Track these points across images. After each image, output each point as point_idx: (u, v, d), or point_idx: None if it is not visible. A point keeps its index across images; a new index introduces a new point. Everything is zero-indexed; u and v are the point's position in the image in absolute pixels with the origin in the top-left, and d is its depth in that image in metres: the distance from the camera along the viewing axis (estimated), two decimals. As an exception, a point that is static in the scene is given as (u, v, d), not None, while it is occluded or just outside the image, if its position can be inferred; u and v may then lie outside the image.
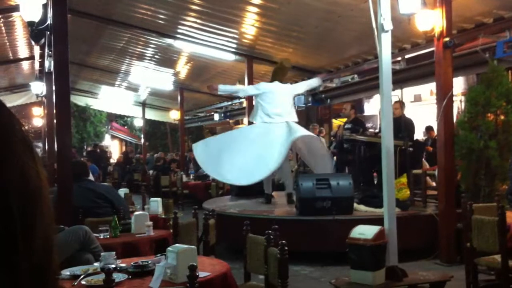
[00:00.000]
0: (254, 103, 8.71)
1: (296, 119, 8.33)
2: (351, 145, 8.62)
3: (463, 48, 8.14)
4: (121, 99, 20.23)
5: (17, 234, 0.55)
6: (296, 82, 12.53)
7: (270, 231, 3.57)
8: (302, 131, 8.14)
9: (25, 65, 15.81)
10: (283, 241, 3.18)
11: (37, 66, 13.74)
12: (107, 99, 20.34)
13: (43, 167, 0.61)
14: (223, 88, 9.10)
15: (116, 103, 21.13)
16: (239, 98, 14.42)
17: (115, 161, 22.85)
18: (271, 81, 8.53)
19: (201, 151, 8.32)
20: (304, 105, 12.74)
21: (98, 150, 20.57)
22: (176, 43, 11.61)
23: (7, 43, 12.92)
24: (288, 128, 7.99)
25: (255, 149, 7.87)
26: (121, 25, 11.15)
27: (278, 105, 8.18)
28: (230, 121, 18.62)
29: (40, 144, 17.58)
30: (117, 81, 17.90)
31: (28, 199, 0.57)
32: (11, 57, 14.50)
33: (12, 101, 17.61)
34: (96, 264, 3.51)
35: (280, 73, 8.57)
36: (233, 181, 8.42)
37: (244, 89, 9.00)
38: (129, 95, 19.37)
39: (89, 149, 22.21)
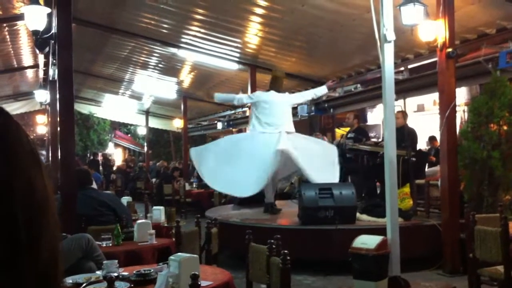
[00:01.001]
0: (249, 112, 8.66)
1: (293, 130, 8.21)
2: (353, 155, 8.61)
3: (466, 58, 8.17)
4: (124, 107, 20.30)
5: (22, 242, 0.56)
6: (299, 91, 12.52)
7: (272, 240, 3.57)
8: (293, 140, 7.98)
9: (30, 73, 15.89)
10: (286, 251, 3.18)
11: (41, 74, 13.80)
12: (111, 107, 20.40)
13: (49, 179, 0.63)
14: (219, 96, 9.05)
15: (120, 111, 21.20)
16: (241, 106, 14.36)
17: (116, 167, 22.87)
18: (268, 90, 8.42)
19: (198, 156, 8.25)
20: (307, 114, 12.76)
21: (101, 158, 20.54)
22: (180, 52, 11.67)
23: (12, 52, 12.99)
24: (279, 138, 7.83)
25: (247, 161, 7.78)
26: (125, 34, 11.21)
27: (273, 115, 8.07)
28: (233, 129, 18.64)
29: (44, 152, 17.62)
30: (121, 89, 17.96)
31: (35, 209, 0.58)
32: (16, 65, 14.58)
33: (16, 109, 17.72)
34: (98, 272, 3.51)
35: (275, 83, 8.45)
36: (226, 191, 8.57)
37: (239, 97, 8.89)
38: (132, 103, 19.43)
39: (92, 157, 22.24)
